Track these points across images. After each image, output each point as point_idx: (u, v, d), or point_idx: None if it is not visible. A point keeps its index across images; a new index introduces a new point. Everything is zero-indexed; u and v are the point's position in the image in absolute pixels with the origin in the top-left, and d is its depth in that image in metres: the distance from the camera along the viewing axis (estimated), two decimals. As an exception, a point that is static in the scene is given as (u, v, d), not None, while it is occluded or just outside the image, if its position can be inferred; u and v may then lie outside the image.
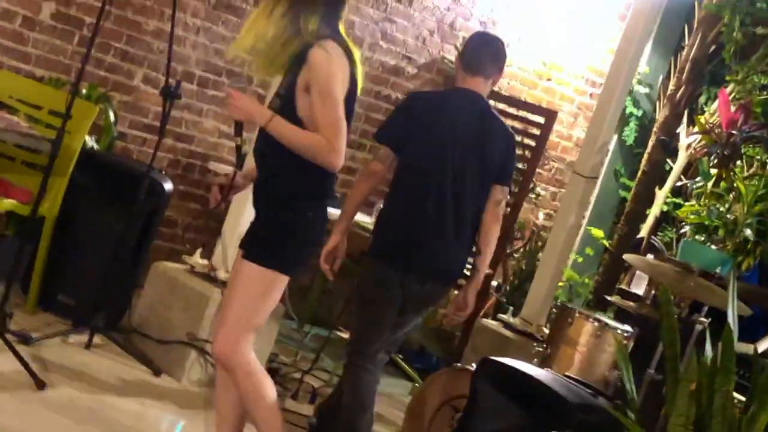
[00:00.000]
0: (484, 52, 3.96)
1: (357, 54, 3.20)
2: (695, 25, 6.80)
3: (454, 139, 3.83)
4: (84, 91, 4.97)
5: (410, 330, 4.05)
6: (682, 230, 6.46)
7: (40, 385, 3.81)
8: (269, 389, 3.23)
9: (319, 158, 3.06)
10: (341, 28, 3.17)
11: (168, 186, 4.88)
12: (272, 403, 3.21)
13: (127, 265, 4.71)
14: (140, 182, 4.49)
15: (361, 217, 5.65)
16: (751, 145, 6.32)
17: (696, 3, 6.77)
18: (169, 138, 5.51)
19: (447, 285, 3.99)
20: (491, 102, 4.31)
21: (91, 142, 4.90)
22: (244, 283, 3.19)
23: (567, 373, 4.12)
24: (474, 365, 3.74)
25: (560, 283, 6.22)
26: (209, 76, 5.68)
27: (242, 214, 4.50)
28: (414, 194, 3.86)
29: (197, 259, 4.69)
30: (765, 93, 6.43)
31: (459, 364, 4.37)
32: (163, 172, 5.24)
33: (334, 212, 5.24)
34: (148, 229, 4.81)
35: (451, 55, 6.42)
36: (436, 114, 3.89)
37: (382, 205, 4.10)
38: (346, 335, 5.77)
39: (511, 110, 6.40)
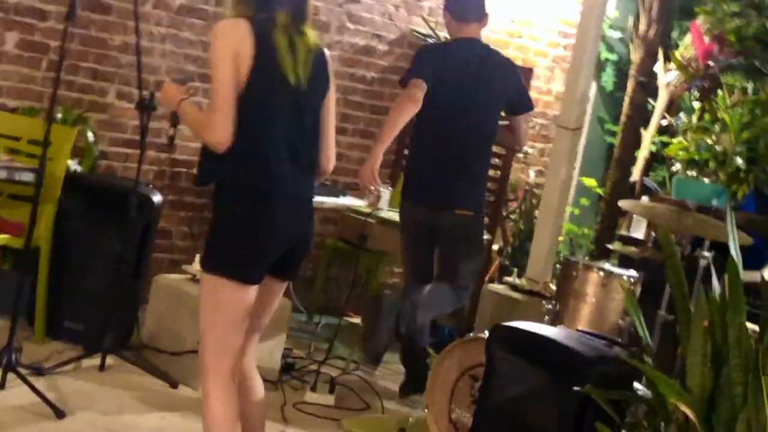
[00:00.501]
0: (469, 0, 4.50)
1: (307, 38, 2.98)
2: (658, -39, 6.77)
3: (466, 81, 4.39)
4: (59, 115, 4.94)
5: (469, 266, 4.59)
6: (673, 168, 6.46)
7: (60, 414, 3.80)
8: None
9: (200, 137, 2.94)
10: (294, 21, 2.94)
11: (157, 198, 4.86)
12: None
13: (128, 282, 4.70)
14: (129, 198, 4.47)
15: (354, 202, 5.66)
16: (729, 74, 6.31)
17: (656, -62, 6.74)
18: (151, 150, 5.48)
19: (472, 212, 4.49)
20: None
21: (74, 165, 4.87)
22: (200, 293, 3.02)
23: (579, 327, 4.13)
24: (486, 333, 3.74)
25: (560, 238, 6.22)
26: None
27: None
28: (435, 136, 4.45)
29: (197, 267, 4.68)
30: (736, 19, 6.41)
31: (471, 334, 4.38)
32: (151, 185, 5.22)
33: (324, 200, 5.29)
34: (144, 244, 4.79)
35: (420, 26, 6.39)
36: (447, 61, 4.44)
37: (408, 151, 4.77)
38: (356, 320, 5.79)
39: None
